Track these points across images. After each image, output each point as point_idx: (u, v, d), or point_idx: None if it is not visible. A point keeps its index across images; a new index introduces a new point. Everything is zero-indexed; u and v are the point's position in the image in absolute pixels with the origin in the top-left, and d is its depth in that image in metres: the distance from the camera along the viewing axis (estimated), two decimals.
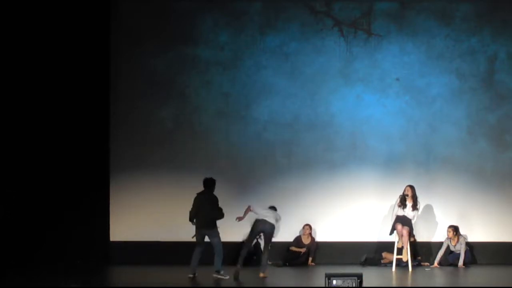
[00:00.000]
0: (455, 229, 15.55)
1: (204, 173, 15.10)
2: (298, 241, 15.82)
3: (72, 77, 15.82)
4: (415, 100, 16.10)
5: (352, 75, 16.15)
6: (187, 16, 16.18)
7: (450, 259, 15.58)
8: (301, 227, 15.90)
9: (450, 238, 15.56)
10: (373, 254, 15.71)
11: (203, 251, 13.83)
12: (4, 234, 15.43)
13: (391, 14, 16.15)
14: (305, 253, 15.69)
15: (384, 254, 15.57)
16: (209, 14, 16.20)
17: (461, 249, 15.46)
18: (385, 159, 16.03)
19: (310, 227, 15.80)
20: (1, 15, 15.50)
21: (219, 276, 13.64)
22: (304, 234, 15.81)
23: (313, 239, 15.81)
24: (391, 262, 14.97)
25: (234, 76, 16.22)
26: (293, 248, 15.76)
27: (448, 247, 15.59)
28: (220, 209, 13.83)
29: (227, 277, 13.59)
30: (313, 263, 15.68)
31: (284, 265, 15.52)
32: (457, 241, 15.51)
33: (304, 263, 15.63)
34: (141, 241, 15.87)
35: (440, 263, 15.48)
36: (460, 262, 15.36)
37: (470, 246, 15.72)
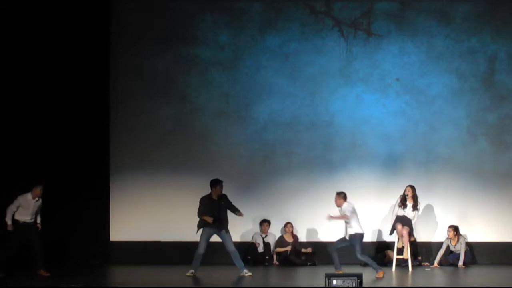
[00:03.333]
0: (455, 229, 15.55)
1: (204, 173, 15.16)
2: (281, 241, 15.82)
3: (72, 77, 15.82)
4: (415, 100, 16.10)
5: (352, 75, 16.16)
6: (187, 16, 16.18)
7: (450, 259, 15.57)
8: (300, 227, 15.91)
9: (450, 238, 15.55)
10: (376, 254, 15.71)
11: (231, 252, 13.86)
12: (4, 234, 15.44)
13: (391, 14, 16.16)
14: (292, 251, 15.68)
15: (387, 252, 15.53)
16: (209, 14, 16.21)
17: (461, 249, 15.45)
18: (385, 159, 16.04)
19: (292, 225, 15.81)
20: (1, 15, 15.50)
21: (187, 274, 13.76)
22: (286, 233, 15.82)
23: (295, 236, 15.82)
24: (391, 262, 14.97)
25: (234, 76, 16.22)
26: (278, 249, 15.76)
27: (448, 247, 15.59)
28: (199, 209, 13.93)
29: (191, 273, 13.68)
30: (311, 263, 15.69)
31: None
32: (457, 241, 15.51)
33: (302, 263, 15.63)
34: (141, 241, 15.88)
35: (440, 263, 15.48)
36: (460, 262, 15.36)
37: (470, 246, 15.72)
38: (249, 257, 15.60)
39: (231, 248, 13.84)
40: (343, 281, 11.77)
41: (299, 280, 14.09)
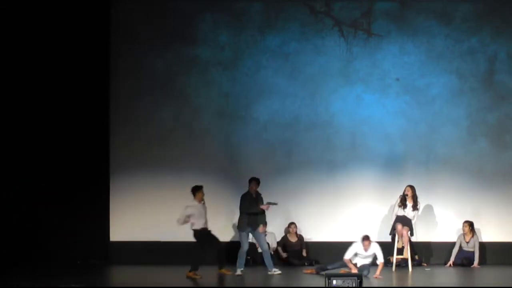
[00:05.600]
0: (470, 224, 15.41)
1: (204, 173, 15.16)
2: (285, 240, 15.81)
3: (72, 77, 15.83)
4: (415, 100, 16.10)
5: (352, 75, 16.16)
6: (187, 16, 16.19)
7: (458, 259, 15.35)
8: (300, 226, 15.91)
9: (464, 234, 15.42)
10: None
11: (263, 251, 14.31)
12: (4, 234, 15.44)
13: (391, 14, 16.16)
14: (294, 252, 15.71)
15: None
16: (209, 14, 16.21)
17: (475, 247, 15.31)
18: (385, 159, 16.04)
19: (296, 225, 15.80)
20: (1, 15, 15.50)
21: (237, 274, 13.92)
22: (290, 233, 15.81)
23: (299, 236, 15.79)
24: (391, 262, 14.97)
25: (234, 76, 16.23)
26: (281, 254, 15.77)
27: (461, 245, 15.47)
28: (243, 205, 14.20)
29: (241, 272, 13.87)
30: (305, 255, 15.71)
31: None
32: (471, 237, 15.40)
33: (301, 259, 15.64)
34: (141, 241, 15.88)
35: (455, 263, 15.33)
36: (476, 262, 15.18)
37: (483, 247, 15.55)
38: (249, 257, 15.59)
39: (264, 247, 14.19)
40: (343, 281, 11.77)
41: (299, 280, 14.10)
